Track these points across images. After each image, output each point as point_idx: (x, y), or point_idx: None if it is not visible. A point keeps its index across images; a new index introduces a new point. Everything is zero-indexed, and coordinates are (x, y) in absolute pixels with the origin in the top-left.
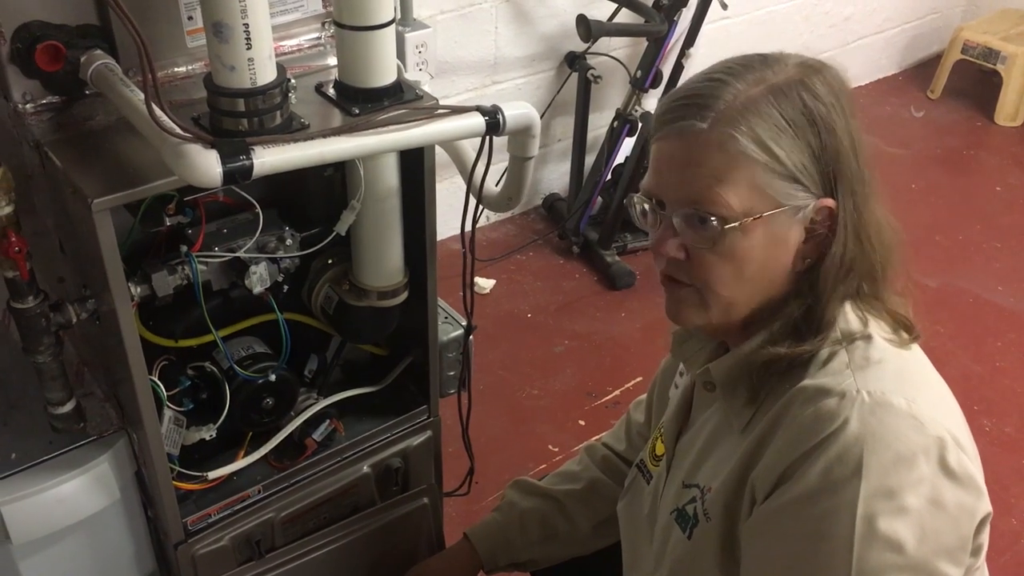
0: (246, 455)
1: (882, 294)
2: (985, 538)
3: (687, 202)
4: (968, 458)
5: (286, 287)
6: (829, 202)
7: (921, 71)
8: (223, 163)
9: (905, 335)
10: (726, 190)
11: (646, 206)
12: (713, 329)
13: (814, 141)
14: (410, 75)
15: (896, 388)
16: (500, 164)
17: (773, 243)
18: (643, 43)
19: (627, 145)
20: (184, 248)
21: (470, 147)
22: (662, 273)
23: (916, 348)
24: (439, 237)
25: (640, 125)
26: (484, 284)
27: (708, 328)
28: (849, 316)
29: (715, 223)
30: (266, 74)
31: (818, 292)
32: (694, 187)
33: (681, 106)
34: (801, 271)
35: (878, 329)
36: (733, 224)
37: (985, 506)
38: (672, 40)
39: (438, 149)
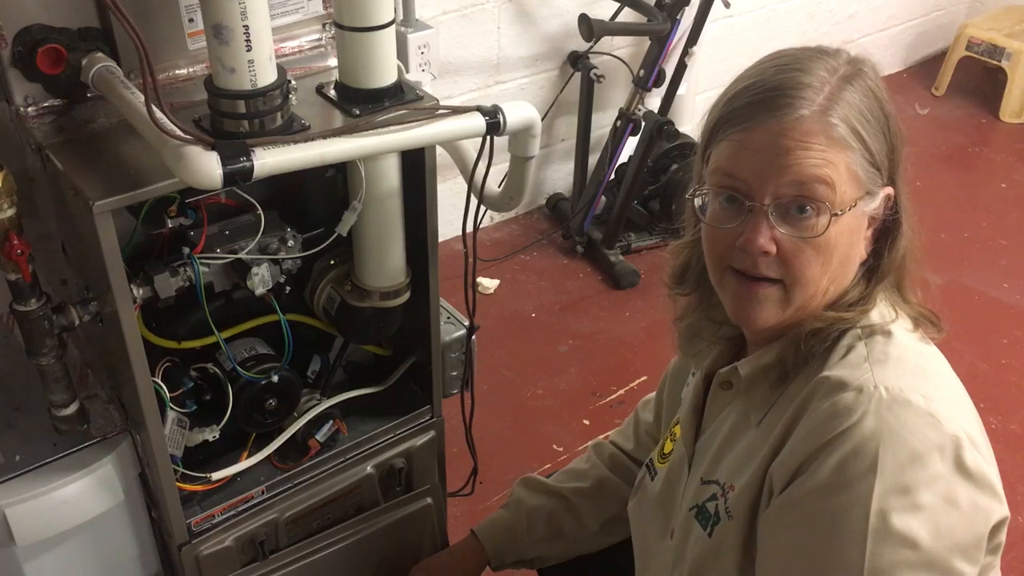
0: (249, 456)
1: (908, 289)
2: (1003, 538)
3: (791, 188)
4: (983, 459)
5: (288, 288)
6: (890, 190)
7: (926, 68)
8: (223, 165)
9: (930, 329)
10: (833, 172)
11: (720, 198)
12: (766, 332)
13: (886, 129)
14: (413, 76)
15: (914, 385)
16: (503, 164)
17: (852, 231)
18: (646, 42)
19: (630, 144)
20: (186, 250)
21: (471, 147)
22: (740, 271)
23: (934, 347)
24: (442, 238)
25: (643, 124)
26: (488, 284)
27: (767, 331)
28: (874, 311)
29: (818, 212)
30: (266, 76)
31: (878, 276)
32: (803, 171)
33: (769, 97)
34: (863, 261)
35: (902, 325)
36: (837, 212)
37: (1001, 510)
38: (675, 39)
39: (440, 149)
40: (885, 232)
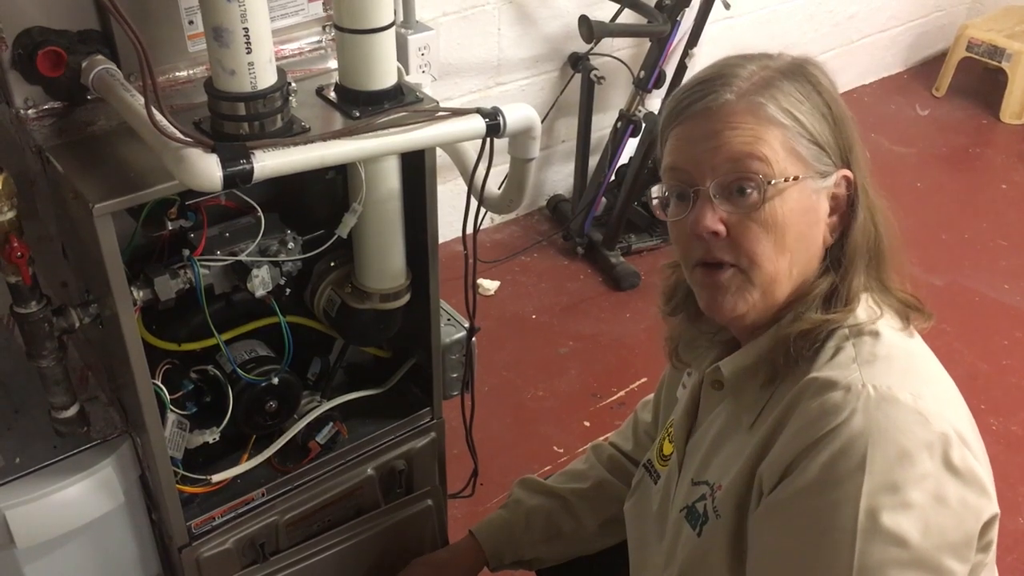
0: (250, 458)
1: (889, 278)
2: (994, 535)
3: (726, 166)
4: (973, 456)
5: (288, 290)
6: (847, 172)
7: (926, 69)
8: (223, 167)
9: (918, 318)
10: (764, 147)
11: (673, 195)
12: (743, 323)
13: (827, 112)
14: (413, 77)
15: (902, 383)
16: (503, 166)
17: (806, 211)
18: (646, 43)
19: (631, 146)
20: (186, 252)
21: (471, 149)
22: (698, 262)
23: (923, 345)
24: (442, 239)
25: (644, 125)
26: (489, 285)
27: (741, 320)
28: (860, 309)
29: (756, 186)
30: (266, 78)
31: (845, 265)
32: (733, 149)
33: (697, 89)
34: (830, 247)
35: (889, 323)
36: (774, 182)
37: (991, 507)
38: (675, 40)
39: (439, 151)
40: (849, 218)
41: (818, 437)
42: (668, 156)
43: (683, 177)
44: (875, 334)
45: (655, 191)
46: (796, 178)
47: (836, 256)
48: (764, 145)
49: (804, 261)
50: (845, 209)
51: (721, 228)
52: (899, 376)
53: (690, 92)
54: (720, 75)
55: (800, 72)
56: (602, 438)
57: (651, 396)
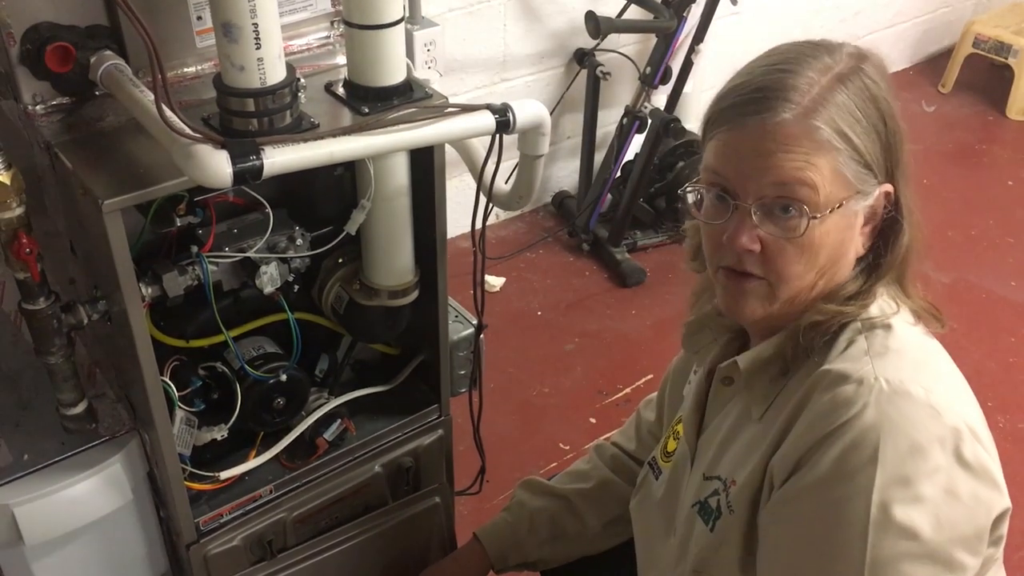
0: (258, 455)
1: (911, 284)
2: (1005, 530)
3: (773, 189)
4: (985, 450)
5: (296, 287)
6: (888, 187)
7: (932, 65)
8: (233, 163)
9: (932, 323)
10: (815, 175)
11: (711, 195)
12: (760, 324)
13: (880, 128)
14: (419, 73)
15: (914, 377)
16: (511, 162)
17: (841, 229)
18: (652, 39)
19: (636, 142)
20: (195, 248)
21: (480, 145)
22: (725, 267)
23: (934, 340)
24: (449, 235)
25: (649, 122)
26: (494, 282)
27: (758, 323)
28: (875, 306)
29: (800, 212)
30: (276, 74)
31: (878, 273)
32: (783, 174)
33: (754, 98)
34: (860, 257)
35: (903, 318)
36: (819, 216)
37: (1003, 501)
38: (681, 36)
39: (448, 147)
40: (885, 230)
41: (830, 430)
42: (712, 158)
43: (726, 185)
44: (887, 328)
45: (689, 187)
46: (840, 205)
47: (870, 264)
48: (814, 171)
49: (832, 273)
50: (879, 221)
51: (757, 247)
52: (911, 370)
53: (745, 98)
54: (779, 86)
55: (857, 80)
56: (603, 437)
57: (654, 395)
